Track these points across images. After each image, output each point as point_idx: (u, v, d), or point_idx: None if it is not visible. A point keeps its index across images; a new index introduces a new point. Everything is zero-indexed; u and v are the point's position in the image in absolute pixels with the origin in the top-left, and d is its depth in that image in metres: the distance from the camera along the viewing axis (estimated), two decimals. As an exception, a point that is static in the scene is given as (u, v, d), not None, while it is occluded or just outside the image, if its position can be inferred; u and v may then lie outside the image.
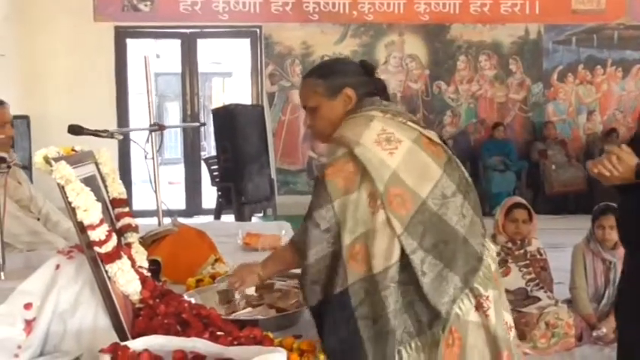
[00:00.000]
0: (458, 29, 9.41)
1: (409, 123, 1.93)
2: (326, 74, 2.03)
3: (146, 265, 1.89)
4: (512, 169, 9.02)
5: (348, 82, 1.99)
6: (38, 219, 2.90)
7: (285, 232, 3.22)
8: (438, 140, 1.96)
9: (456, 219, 1.83)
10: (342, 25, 9.27)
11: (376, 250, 1.76)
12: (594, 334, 3.92)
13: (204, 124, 7.27)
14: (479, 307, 1.84)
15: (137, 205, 8.22)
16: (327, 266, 1.82)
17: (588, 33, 9.39)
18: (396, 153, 1.83)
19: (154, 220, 3.61)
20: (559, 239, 4.53)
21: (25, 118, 8.01)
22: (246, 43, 9.58)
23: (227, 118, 7.35)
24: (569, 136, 9.52)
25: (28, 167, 3.43)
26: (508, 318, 1.95)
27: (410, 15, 9.30)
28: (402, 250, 1.77)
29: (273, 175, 8.47)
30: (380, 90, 2.05)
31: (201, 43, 9.71)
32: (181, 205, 9.35)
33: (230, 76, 16.05)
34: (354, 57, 9.24)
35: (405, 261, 1.77)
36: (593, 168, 2.16)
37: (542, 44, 9.53)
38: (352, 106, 1.98)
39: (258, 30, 9.24)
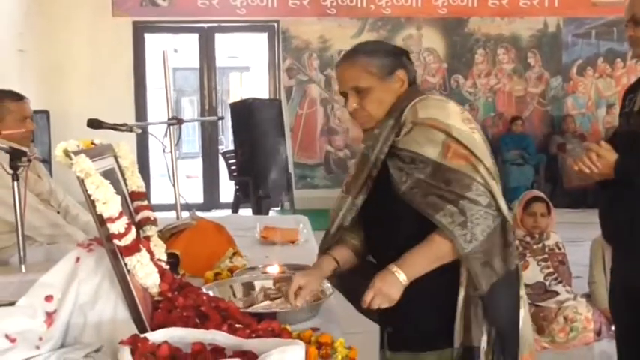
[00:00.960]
0: (476, 22, 9.36)
1: (465, 112, 1.91)
2: (378, 52, 1.90)
3: (165, 258, 1.91)
4: (531, 163, 8.97)
5: (400, 63, 1.90)
6: (58, 212, 2.93)
7: (302, 226, 3.23)
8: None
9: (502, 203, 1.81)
10: (359, 19, 9.25)
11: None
12: (613, 328, 3.90)
13: (222, 118, 7.29)
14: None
15: (155, 199, 8.27)
16: (498, 243, 1.74)
17: (608, 26, 9.30)
18: (476, 132, 1.82)
19: (172, 214, 3.63)
20: (577, 233, 4.51)
21: (45, 113, 8.08)
22: (263, 37, 9.60)
23: (245, 112, 7.38)
24: (588, 130, 9.45)
25: (48, 161, 3.48)
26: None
27: (428, 8, 9.26)
28: None
29: (291, 170, 8.49)
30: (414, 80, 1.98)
31: (218, 37, 9.75)
32: (199, 199, 9.40)
33: (248, 70, 16.09)
34: (372, 51, 9.22)
35: None
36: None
37: (562, 37, 9.46)
38: (403, 92, 1.88)
39: (275, 24, 9.24)
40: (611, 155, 2.13)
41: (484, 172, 1.74)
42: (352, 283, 1.93)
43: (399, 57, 1.92)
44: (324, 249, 1.95)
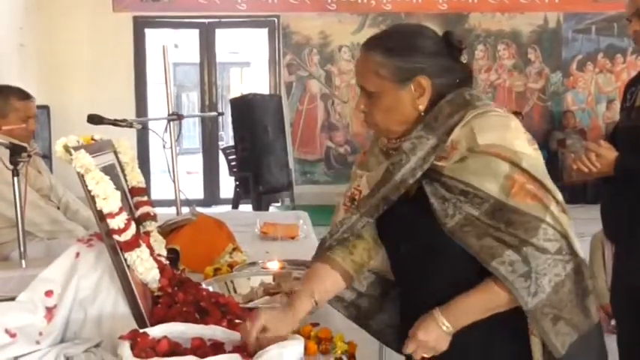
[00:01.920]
0: (476, 18, 9.35)
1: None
2: (397, 51, 1.51)
3: (164, 253, 1.91)
4: (531, 158, 8.97)
5: (424, 67, 1.50)
6: (58, 208, 2.93)
7: (302, 222, 3.23)
8: None
9: None
10: (360, 15, 9.24)
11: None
12: (612, 323, 3.90)
13: (222, 114, 7.28)
14: None
15: (155, 194, 8.27)
16: (570, 291, 1.45)
17: (608, 21, 9.29)
18: (539, 153, 1.51)
19: (172, 210, 3.63)
20: (578, 228, 4.47)
21: (45, 108, 8.08)
22: (264, 32, 9.59)
23: (245, 107, 7.37)
24: (588, 126, 9.45)
25: (48, 157, 3.48)
26: None
27: (428, 4, 9.25)
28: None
29: (291, 165, 8.49)
30: (469, 76, 1.61)
31: (219, 33, 9.74)
32: (199, 194, 9.41)
33: (248, 65, 16.06)
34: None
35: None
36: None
37: (562, 33, 9.45)
38: (429, 97, 1.51)
39: (276, 20, 9.24)
40: (610, 153, 2.13)
41: (555, 209, 1.45)
42: (374, 321, 1.73)
43: (433, 58, 1.52)
44: (313, 260, 1.68)
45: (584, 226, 4.39)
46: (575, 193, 8.67)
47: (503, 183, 1.43)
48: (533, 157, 1.46)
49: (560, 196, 1.49)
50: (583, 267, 1.48)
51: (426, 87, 1.51)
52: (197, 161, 10.88)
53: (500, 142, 1.44)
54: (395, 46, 1.53)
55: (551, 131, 9.27)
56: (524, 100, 9.50)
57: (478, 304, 1.48)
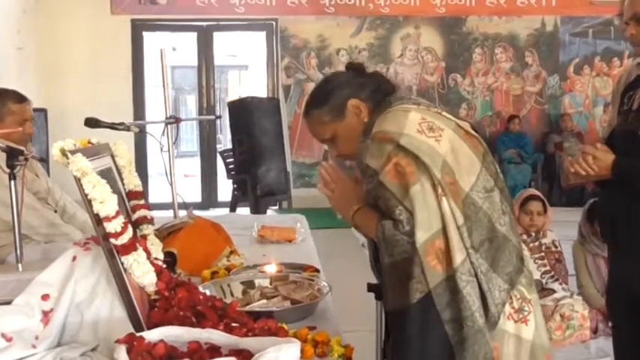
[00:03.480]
0: (474, 21, 9.37)
1: (444, 113, 1.82)
2: (322, 99, 1.89)
3: (162, 257, 1.91)
4: (528, 161, 8.99)
5: (346, 93, 1.86)
6: (55, 211, 2.93)
7: (300, 225, 3.23)
8: (474, 132, 1.84)
9: (497, 215, 1.71)
10: (357, 18, 9.26)
11: (454, 243, 1.63)
12: (610, 325, 3.91)
13: (219, 117, 7.30)
14: (519, 311, 1.70)
15: (153, 197, 8.29)
16: (402, 272, 1.67)
17: (605, 25, 9.32)
18: (442, 140, 1.71)
19: (169, 213, 3.63)
20: (575, 231, 4.52)
21: (43, 111, 8.07)
22: (262, 36, 9.60)
23: (243, 110, 7.37)
24: (585, 129, 9.47)
25: (45, 160, 3.47)
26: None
27: (426, 7, 9.27)
28: None
29: (289, 168, 8.49)
30: (388, 83, 1.93)
31: (217, 36, 9.75)
32: (197, 197, 9.40)
33: (246, 69, 16.08)
34: (370, 49, 9.24)
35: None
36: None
37: (559, 36, 9.48)
38: (367, 113, 1.85)
39: (274, 23, 9.25)
40: (608, 156, 2.13)
41: (419, 189, 1.65)
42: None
43: (347, 85, 1.88)
44: None
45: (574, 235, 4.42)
46: (573, 196, 8.70)
47: (384, 161, 1.69)
48: (416, 138, 1.70)
49: (437, 173, 1.66)
50: (413, 254, 1.64)
51: (358, 105, 1.85)
52: (195, 164, 10.88)
53: (390, 127, 1.73)
54: (318, 97, 1.91)
55: (549, 134, 9.29)
56: (522, 103, 9.52)
57: (368, 221, 1.77)
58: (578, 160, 2.15)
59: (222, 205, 8.93)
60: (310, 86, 9.24)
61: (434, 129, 1.73)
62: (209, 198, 9.56)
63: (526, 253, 1.86)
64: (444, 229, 1.64)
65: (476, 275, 1.65)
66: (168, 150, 3.49)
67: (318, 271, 2.43)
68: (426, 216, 1.64)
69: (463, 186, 1.69)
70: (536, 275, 4.01)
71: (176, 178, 3.60)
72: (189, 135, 15.64)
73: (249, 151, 7.21)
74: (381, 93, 1.89)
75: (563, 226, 4.78)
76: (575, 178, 2.23)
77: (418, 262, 1.63)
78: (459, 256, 1.63)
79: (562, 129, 9.22)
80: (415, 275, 1.64)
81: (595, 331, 3.92)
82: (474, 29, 9.39)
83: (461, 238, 1.65)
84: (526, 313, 1.71)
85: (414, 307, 1.65)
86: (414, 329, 1.65)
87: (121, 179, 1.89)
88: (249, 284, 2.16)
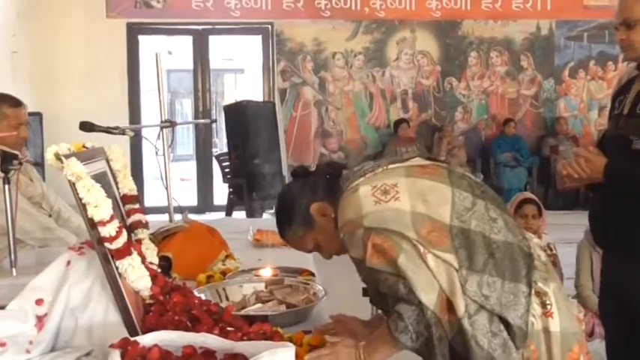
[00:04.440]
0: (469, 25, 9.39)
1: (390, 166, 1.80)
2: (288, 218, 1.89)
3: (156, 261, 1.90)
4: (524, 165, 9.00)
5: (304, 202, 1.86)
6: (50, 215, 2.92)
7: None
8: (426, 162, 1.83)
9: (488, 227, 1.69)
10: (353, 22, 9.26)
11: (453, 291, 1.60)
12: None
13: (214, 121, 7.29)
14: (542, 306, 1.69)
15: (149, 201, 8.27)
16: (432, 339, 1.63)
17: (600, 29, 9.34)
18: (400, 196, 1.69)
19: (165, 217, 3.62)
20: (570, 235, 4.52)
21: (38, 115, 8.06)
22: (257, 39, 9.60)
23: (238, 114, 7.38)
24: (580, 132, 9.49)
25: (40, 164, 3.46)
26: (574, 309, 1.82)
27: (421, 11, 9.28)
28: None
29: (285, 172, 8.48)
30: (333, 167, 1.94)
31: (213, 39, 9.74)
32: (193, 201, 9.39)
33: (242, 72, 16.08)
34: (366, 53, 9.25)
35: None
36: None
37: (554, 40, 9.50)
38: (331, 209, 1.83)
39: (269, 26, 9.25)
40: (600, 159, 2.14)
41: (404, 258, 1.61)
42: None
43: (302, 194, 1.88)
44: None
45: (577, 232, 4.42)
46: (569, 199, 8.72)
47: (362, 248, 1.67)
48: (376, 211, 1.68)
49: (412, 234, 1.63)
50: (432, 319, 1.60)
51: (320, 207, 1.84)
52: (191, 168, 10.87)
53: (348, 217, 1.72)
54: (283, 218, 1.91)
55: (544, 138, 9.30)
56: (517, 106, 9.53)
57: (385, 342, 1.69)
58: (570, 162, 2.16)
59: (218, 209, 8.92)
60: (306, 90, 9.25)
61: (388, 191, 1.71)
62: (205, 202, 9.55)
63: (535, 241, 1.81)
64: (441, 287, 1.62)
65: (483, 305, 1.62)
66: (164, 154, 3.49)
67: (313, 275, 2.43)
68: (424, 279, 1.61)
69: (443, 219, 1.67)
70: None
71: (172, 182, 3.60)
72: (185, 139, 15.62)
73: (245, 154, 7.21)
74: (332, 183, 1.87)
75: (558, 230, 4.80)
76: (569, 181, 2.23)
77: (439, 323, 1.61)
78: (461, 305, 1.60)
79: (557, 132, 9.24)
80: (442, 336, 1.62)
81: (591, 334, 3.92)
82: (469, 33, 9.40)
83: (459, 282, 1.61)
84: (549, 307, 1.70)
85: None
86: None
87: (116, 183, 1.89)
88: (241, 289, 2.16)
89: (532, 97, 9.56)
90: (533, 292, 1.67)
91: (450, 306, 1.61)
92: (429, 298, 1.60)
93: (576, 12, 9.41)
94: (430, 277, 1.61)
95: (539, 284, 1.70)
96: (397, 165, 1.80)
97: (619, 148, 2.14)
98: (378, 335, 1.72)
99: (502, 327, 1.62)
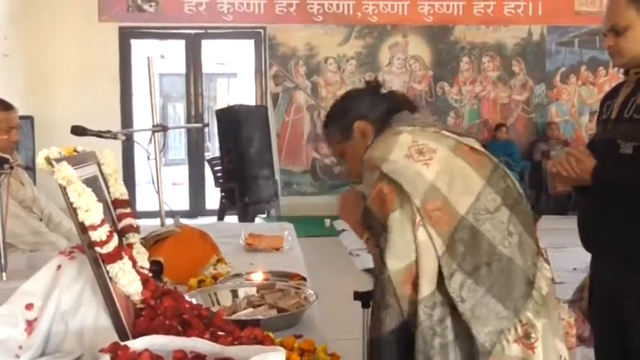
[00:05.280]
0: (461, 30, 9.42)
1: (444, 132, 1.77)
2: (335, 118, 1.95)
3: (147, 265, 1.90)
4: (516, 169, 9.03)
5: (354, 115, 1.90)
6: (41, 219, 2.91)
7: (287, 233, 3.24)
8: (480, 148, 1.79)
9: (500, 237, 1.64)
10: (346, 27, 9.29)
11: (423, 274, 1.58)
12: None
13: (207, 125, 7.30)
14: (526, 337, 1.63)
15: (141, 205, 8.25)
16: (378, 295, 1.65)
17: (591, 34, 9.40)
18: (432, 163, 1.67)
19: (157, 221, 3.62)
20: (562, 239, 4.53)
21: (30, 119, 8.04)
22: (250, 44, 9.61)
23: (231, 118, 7.37)
24: (571, 137, 9.55)
25: (31, 168, 3.44)
26: (562, 350, 1.73)
27: (414, 16, 9.31)
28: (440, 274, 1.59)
29: (277, 176, 8.49)
30: (401, 102, 1.93)
31: (205, 43, 9.74)
32: (185, 205, 9.38)
33: (235, 76, 16.08)
34: (358, 58, 9.27)
35: (443, 289, 1.59)
36: (552, 167, 2.19)
37: (545, 45, 9.55)
38: (373, 134, 1.85)
39: (262, 31, 9.26)
40: (590, 161, 2.15)
41: (397, 216, 1.61)
42: None
43: (358, 105, 1.91)
44: None
45: (568, 237, 4.43)
46: (560, 204, 8.74)
47: (370, 188, 1.69)
48: (400, 164, 1.68)
49: (417, 201, 1.63)
50: (386, 283, 1.61)
51: (365, 127, 1.87)
52: (183, 172, 10.86)
53: (376, 153, 1.74)
54: (333, 115, 1.97)
55: (536, 142, 9.35)
56: (509, 111, 9.57)
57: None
58: (561, 161, 2.16)
59: (211, 213, 8.91)
60: (299, 94, 9.27)
61: (424, 152, 1.70)
62: (197, 206, 9.54)
63: (547, 274, 1.74)
64: (417, 260, 1.60)
65: (454, 305, 1.58)
66: (155, 158, 3.48)
67: (304, 279, 2.43)
68: (402, 245, 1.60)
69: (458, 209, 1.63)
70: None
71: (164, 186, 3.60)
72: (178, 143, 15.60)
73: (238, 159, 7.21)
74: (389, 114, 1.87)
75: (550, 234, 4.81)
76: (560, 181, 2.23)
77: (392, 290, 1.60)
78: (426, 289, 1.58)
79: (549, 137, 9.28)
80: (390, 304, 1.61)
81: (581, 339, 3.93)
82: (461, 38, 9.44)
83: (439, 268, 1.59)
84: (533, 340, 1.64)
85: (388, 336, 1.62)
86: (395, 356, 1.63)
87: (107, 187, 1.88)
88: (233, 293, 2.16)
89: (524, 102, 9.60)
90: (518, 319, 1.62)
91: (415, 285, 1.59)
92: (393, 264, 1.60)
93: (567, 18, 9.47)
94: (409, 247, 1.60)
95: (529, 314, 1.64)
96: (450, 134, 1.78)
97: (607, 152, 2.15)
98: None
99: (450, 335, 1.59)
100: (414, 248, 1.60)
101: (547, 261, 1.80)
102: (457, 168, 1.69)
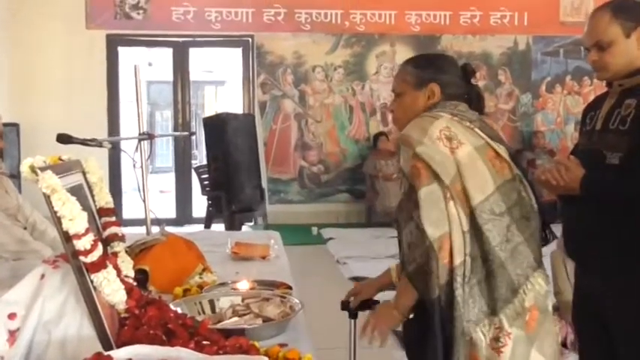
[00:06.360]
0: (448, 40, 9.47)
1: (477, 130, 1.90)
2: (421, 65, 2.04)
3: (132, 274, 1.89)
4: (502, 178, 9.08)
5: (437, 78, 1.99)
6: (25, 228, 2.89)
7: (274, 242, 3.23)
8: (505, 156, 1.91)
9: (499, 240, 1.77)
10: (333, 35, 9.31)
11: (455, 246, 1.73)
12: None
13: (193, 134, 7.28)
14: (495, 340, 1.72)
15: (127, 213, 8.21)
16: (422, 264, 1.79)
17: (576, 44, 9.47)
18: (458, 152, 1.82)
19: (144, 229, 3.60)
20: (549, 247, 4.56)
21: (15, 126, 7.99)
22: (238, 52, 9.61)
23: (218, 126, 7.36)
24: (557, 146, 9.60)
25: (16, 176, 3.42)
26: None
27: (401, 26, 9.35)
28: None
29: (264, 184, 8.48)
30: (473, 98, 2.04)
31: (193, 51, 9.73)
32: (172, 213, 9.34)
33: (222, 84, 16.07)
34: (346, 67, 9.30)
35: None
36: (541, 175, 2.21)
37: (531, 55, 9.62)
38: (433, 103, 1.97)
39: (250, 39, 9.26)
40: (579, 170, 2.16)
41: (434, 189, 1.77)
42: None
43: (447, 74, 2.00)
44: None
45: (555, 244, 4.49)
46: (547, 212, 8.73)
47: (408, 164, 1.83)
48: (432, 147, 1.81)
49: (447, 180, 1.78)
50: (429, 249, 1.74)
51: (436, 93, 1.97)
52: (170, 180, 10.82)
53: (412, 133, 1.86)
54: (420, 61, 2.07)
55: (522, 151, 9.39)
56: (495, 120, 9.61)
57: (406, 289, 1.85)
58: (550, 169, 2.18)
59: (197, 221, 8.88)
60: (286, 102, 9.27)
61: (452, 140, 1.83)
62: (184, 214, 9.50)
63: (540, 290, 1.85)
64: (450, 231, 1.74)
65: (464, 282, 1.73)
66: (141, 166, 3.47)
67: (290, 288, 2.43)
68: (437, 214, 1.73)
69: (471, 200, 1.77)
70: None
71: (151, 194, 3.58)
72: (165, 150, 15.55)
73: (225, 167, 7.19)
74: (459, 99, 1.99)
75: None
76: (548, 189, 2.24)
77: (434, 257, 1.73)
78: (458, 258, 1.71)
79: (534, 146, 9.33)
80: (433, 270, 1.74)
81: (564, 345, 3.94)
82: (448, 47, 9.48)
83: (464, 242, 1.73)
84: (500, 345, 1.71)
85: (435, 302, 1.75)
86: (440, 319, 1.75)
87: (92, 196, 1.87)
88: (218, 302, 2.15)
89: (509, 111, 9.66)
90: (492, 319, 1.74)
91: (451, 253, 1.72)
92: (432, 231, 1.72)
93: (553, 28, 9.54)
94: (443, 218, 1.73)
95: (503, 319, 1.73)
96: (482, 134, 1.90)
97: (593, 163, 2.17)
98: (400, 284, 1.90)
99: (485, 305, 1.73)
100: (447, 219, 1.74)
101: (547, 281, 1.90)
102: (476, 166, 1.82)
